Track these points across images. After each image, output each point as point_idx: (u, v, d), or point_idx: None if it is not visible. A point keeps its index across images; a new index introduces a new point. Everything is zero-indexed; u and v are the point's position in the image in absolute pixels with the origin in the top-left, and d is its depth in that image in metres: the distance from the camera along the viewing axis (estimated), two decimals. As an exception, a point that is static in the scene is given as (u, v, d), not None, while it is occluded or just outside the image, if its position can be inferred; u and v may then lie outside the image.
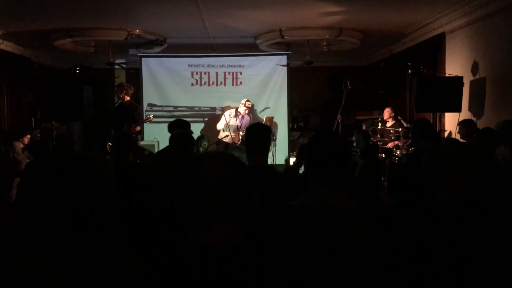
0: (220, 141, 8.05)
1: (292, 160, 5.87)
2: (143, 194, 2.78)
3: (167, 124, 5.60)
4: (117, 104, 8.28)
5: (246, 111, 8.83)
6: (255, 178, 1.30)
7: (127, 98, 7.98)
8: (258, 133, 2.82)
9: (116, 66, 9.66)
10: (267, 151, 2.83)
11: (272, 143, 2.93)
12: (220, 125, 8.90)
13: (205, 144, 5.19)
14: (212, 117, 9.76)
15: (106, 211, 2.00)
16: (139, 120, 8.19)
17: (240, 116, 8.79)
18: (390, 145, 7.62)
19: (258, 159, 2.77)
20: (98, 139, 7.72)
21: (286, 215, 1.70)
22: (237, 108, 8.96)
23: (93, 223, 1.95)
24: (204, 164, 1.24)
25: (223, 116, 8.95)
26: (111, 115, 8.23)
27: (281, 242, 1.62)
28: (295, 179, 3.13)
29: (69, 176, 2.07)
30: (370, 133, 7.31)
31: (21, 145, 7.67)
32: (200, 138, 5.34)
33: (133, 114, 7.99)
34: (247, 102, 8.82)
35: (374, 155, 5.25)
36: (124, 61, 10.06)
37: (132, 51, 9.58)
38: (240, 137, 8.25)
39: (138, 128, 7.88)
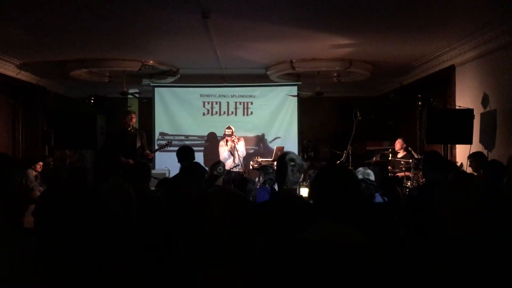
0: (230, 171, 8.05)
1: (303, 190, 5.87)
2: (157, 224, 2.80)
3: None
4: (122, 130, 8.29)
5: (232, 138, 8.37)
6: (259, 218, 1.31)
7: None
8: (288, 162, 2.82)
9: (129, 96, 9.82)
10: (297, 180, 2.84)
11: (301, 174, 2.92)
12: (224, 155, 8.42)
13: (220, 169, 5.35)
14: (206, 147, 9.80)
15: (120, 240, 2.02)
16: (149, 145, 8.32)
17: (233, 144, 8.36)
18: (400, 174, 7.57)
19: (286, 188, 2.79)
20: (110, 167, 7.79)
21: (294, 249, 1.70)
22: (225, 139, 8.54)
23: (107, 252, 1.96)
24: (209, 207, 1.25)
25: (221, 147, 8.58)
26: (117, 142, 8.23)
27: (289, 277, 1.62)
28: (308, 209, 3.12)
29: (82, 206, 2.10)
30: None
31: (34, 173, 7.76)
32: (217, 163, 5.48)
33: (142, 140, 8.09)
34: (227, 130, 8.47)
35: (393, 188, 5.24)
36: (137, 91, 10.23)
37: (145, 81, 9.76)
38: (251, 167, 8.25)
39: (152, 155, 8.02)
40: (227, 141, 8.43)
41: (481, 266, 1.84)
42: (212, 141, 9.84)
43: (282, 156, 2.90)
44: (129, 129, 8.05)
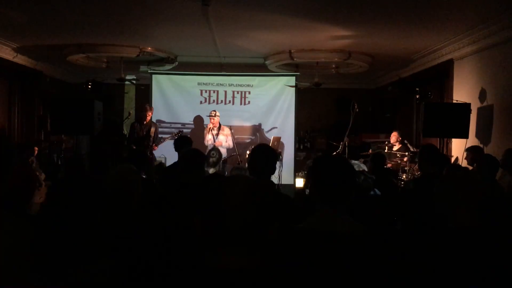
0: (226, 160, 8.06)
1: (299, 181, 5.89)
2: (156, 211, 2.81)
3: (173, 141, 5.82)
4: (138, 121, 8.47)
5: (218, 125, 8.54)
6: (277, 204, 1.32)
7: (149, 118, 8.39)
8: (263, 154, 2.83)
9: (126, 82, 9.78)
10: (272, 172, 2.85)
11: (279, 163, 2.95)
12: (209, 143, 8.52)
13: (213, 154, 5.23)
14: (192, 130, 9.81)
15: (118, 228, 2.02)
16: (157, 138, 8.41)
17: (215, 131, 8.52)
18: (389, 165, 7.57)
19: (262, 180, 2.80)
20: (110, 154, 7.82)
21: (293, 239, 1.72)
22: (208, 127, 8.64)
23: (103, 241, 1.97)
24: (228, 189, 1.26)
25: (208, 134, 8.64)
26: (132, 131, 8.35)
27: (289, 265, 1.64)
28: (303, 200, 3.15)
29: (81, 196, 2.09)
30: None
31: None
32: (211, 150, 5.41)
33: (155, 133, 8.22)
34: (212, 112, 8.59)
35: (389, 180, 5.26)
36: (135, 77, 10.19)
37: (143, 68, 9.71)
38: (247, 156, 8.26)
39: (156, 147, 8.12)
40: (211, 129, 8.48)
41: (481, 258, 1.86)
42: (197, 125, 9.87)
43: (257, 148, 2.92)
44: (144, 122, 8.27)
